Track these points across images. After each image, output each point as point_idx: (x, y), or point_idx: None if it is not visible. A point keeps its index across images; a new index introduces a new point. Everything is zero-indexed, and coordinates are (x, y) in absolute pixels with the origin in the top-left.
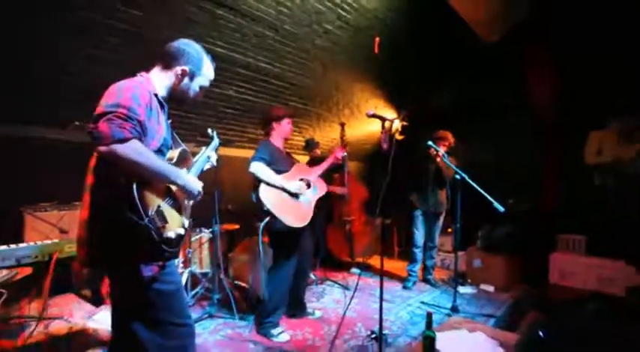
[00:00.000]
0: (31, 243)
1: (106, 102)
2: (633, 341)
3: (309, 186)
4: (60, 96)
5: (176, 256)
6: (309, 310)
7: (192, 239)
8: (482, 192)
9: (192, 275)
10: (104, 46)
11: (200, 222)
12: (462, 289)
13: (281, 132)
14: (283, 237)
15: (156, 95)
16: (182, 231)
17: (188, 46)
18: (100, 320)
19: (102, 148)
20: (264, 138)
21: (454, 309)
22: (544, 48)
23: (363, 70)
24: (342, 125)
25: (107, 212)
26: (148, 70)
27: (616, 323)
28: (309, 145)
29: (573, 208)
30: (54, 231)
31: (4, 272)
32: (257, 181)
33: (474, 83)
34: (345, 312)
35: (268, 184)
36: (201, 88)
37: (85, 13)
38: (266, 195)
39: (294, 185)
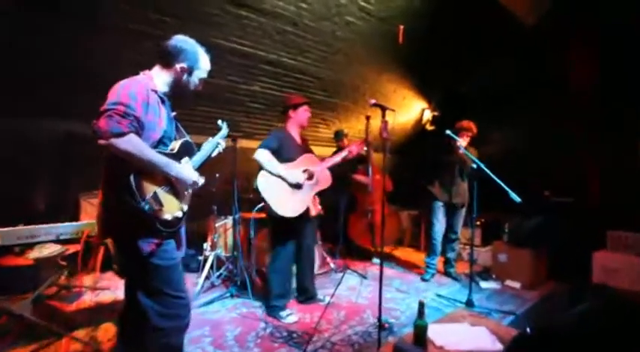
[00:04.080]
0: (68, 223)
1: (108, 100)
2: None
3: (311, 177)
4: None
5: (174, 236)
6: (320, 296)
7: (217, 224)
8: (499, 181)
9: (218, 258)
10: (141, 51)
11: (225, 210)
12: (484, 284)
13: (297, 120)
14: (279, 224)
15: (155, 91)
16: (179, 214)
17: (184, 43)
18: None
19: (101, 142)
20: (280, 125)
21: (469, 303)
22: (588, 23)
23: (389, 60)
24: (368, 118)
25: (113, 196)
26: (150, 67)
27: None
28: (338, 136)
29: (629, 202)
30: None
31: (57, 247)
32: (259, 167)
33: (506, 68)
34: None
35: (269, 172)
36: (199, 79)
37: (125, 23)
38: (264, 181)
39: (294, 176)
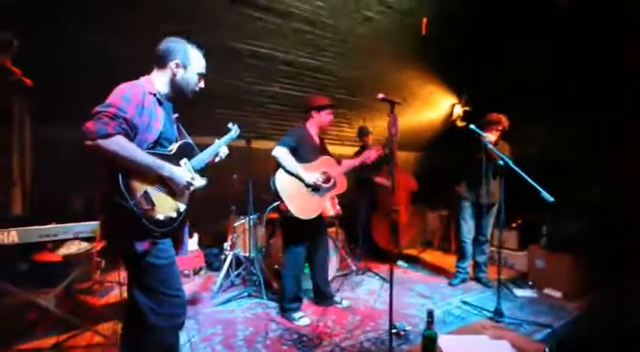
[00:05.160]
0: (86, 222)
1: (104, 102)
2: None
3: (328, 180)
4: None
5: (170, 235)
6: (337, 299)
7: (236, 224)
8: (528, 179)
9: (237, 257)
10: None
11: (243, 210)
12: (519, 292)
13: (319, 122)
14: (291, 225)
15: (154, 94)
16: (174, 215)
17: (172, 42)
18: None
19: (88, 143)
20: (299, 124)
21: (497, 313)
22: None
23: (412, 54)
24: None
25: (105, 197)
26: (150, 72)
27: None
28: (362, 132)
29: None
30: None
31: (84, 244)
32: (277, 165)
33: (545, 55)
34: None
35: (286, 170)
36: (199, 76)
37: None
38: (281, 179)
39: (311, 176)
